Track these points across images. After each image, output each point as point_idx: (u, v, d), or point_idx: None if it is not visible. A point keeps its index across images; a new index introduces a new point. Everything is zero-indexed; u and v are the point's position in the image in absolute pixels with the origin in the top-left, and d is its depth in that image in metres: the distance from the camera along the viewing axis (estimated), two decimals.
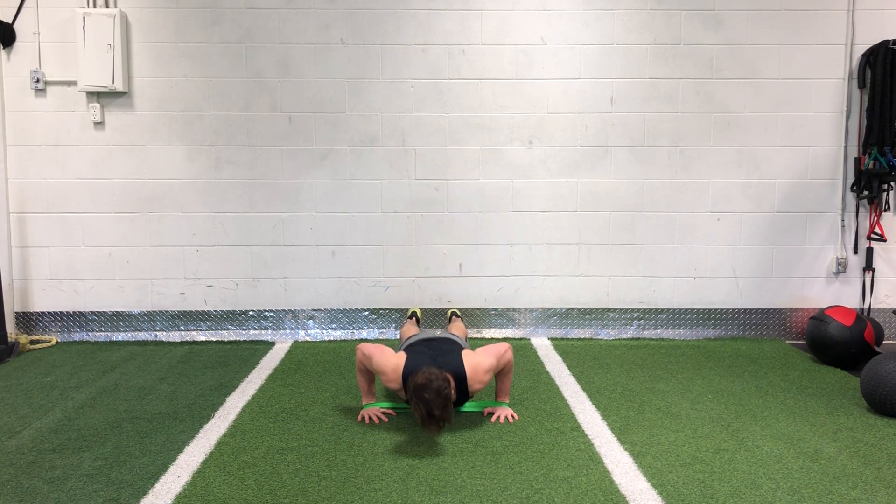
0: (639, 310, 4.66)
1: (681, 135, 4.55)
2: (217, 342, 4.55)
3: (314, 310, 4.62)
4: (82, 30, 4.29)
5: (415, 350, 3.11)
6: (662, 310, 4.66)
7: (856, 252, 4.63)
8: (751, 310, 4.67)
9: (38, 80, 4.38)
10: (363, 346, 3.12)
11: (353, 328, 4.63)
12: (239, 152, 4.51)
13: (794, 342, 4.63)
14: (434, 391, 2.66)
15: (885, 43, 4.41)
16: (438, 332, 3.41)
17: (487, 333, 4.63)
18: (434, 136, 4.53)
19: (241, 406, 3.28)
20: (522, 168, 4.56)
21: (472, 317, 4.64)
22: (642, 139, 4.55)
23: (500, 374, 3.14)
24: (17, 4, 4.36)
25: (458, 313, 4.52)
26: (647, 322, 4.67)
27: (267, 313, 4.62)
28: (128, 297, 4.57)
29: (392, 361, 3.01)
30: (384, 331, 4.63)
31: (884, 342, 4.55)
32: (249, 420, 3.09)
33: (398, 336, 4.60)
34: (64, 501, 2.33)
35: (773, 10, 4.49)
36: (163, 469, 2.58)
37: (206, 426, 3.02)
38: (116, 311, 4.58)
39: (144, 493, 2.39)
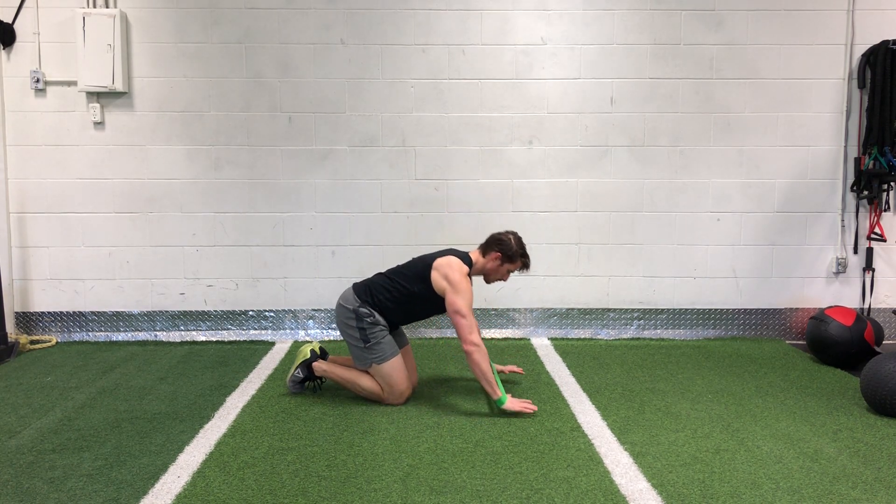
0: (639, 310, 4.66)
1: (681, 135, 4.55)
2: (217, 342, 4.55)
3: (314, 310, 4.62)
4: (82, 30, 4.29)
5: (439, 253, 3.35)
6: (662, 310, 4.66)
7: (856, 252, 4.63)
8: (751, 310, 4.67)
9: (38, 80, 4.38)
10: (470, 328, 3.10)
11: None
12: (239, 152, 4.51)
13: (794, 342, 4.63)
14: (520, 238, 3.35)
15: (885, 43, 4.41)
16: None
17: (487, 333, 4.63)
18: (434, 136, 4.53)
19: (241, 406, 3.28)
20: (522, 168, 4.56)
21: None
22: (642, 139, 4.55)
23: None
24: (17, 4, 4.36)
25: None
26: (647, 322, 4.67)
27: (267, 313, 4.62)
28: (128, 297, 4.57)
29: (462, 274, 3.19)
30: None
31: (884, 342, 4.55)
32: (249, 420, 3.09)
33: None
34: (64, 501, 2.33)
35: (773, 10, 4.49)
36: (163, 469, 2.58)
37: (206, 426, 3.02)
38: (116, 311, 4.58)
39: (144, 493, 2.39)
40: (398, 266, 3.39)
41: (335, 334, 4.63)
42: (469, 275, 3.27)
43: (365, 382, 3.29)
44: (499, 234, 3.36)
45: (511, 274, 3.39)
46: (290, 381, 3.42)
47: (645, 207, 4.60)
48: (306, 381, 3.43)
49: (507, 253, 3.29)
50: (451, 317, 3.15)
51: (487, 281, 3.41)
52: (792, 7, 4.49)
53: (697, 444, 2.83)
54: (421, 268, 3.27)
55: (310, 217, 4.57)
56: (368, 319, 3.22)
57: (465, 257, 3.30)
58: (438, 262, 3.24)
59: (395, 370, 3.24)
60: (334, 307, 4.58)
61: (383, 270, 3.44)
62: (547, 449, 2.77)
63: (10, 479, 2.50)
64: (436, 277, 3.21)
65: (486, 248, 3.34)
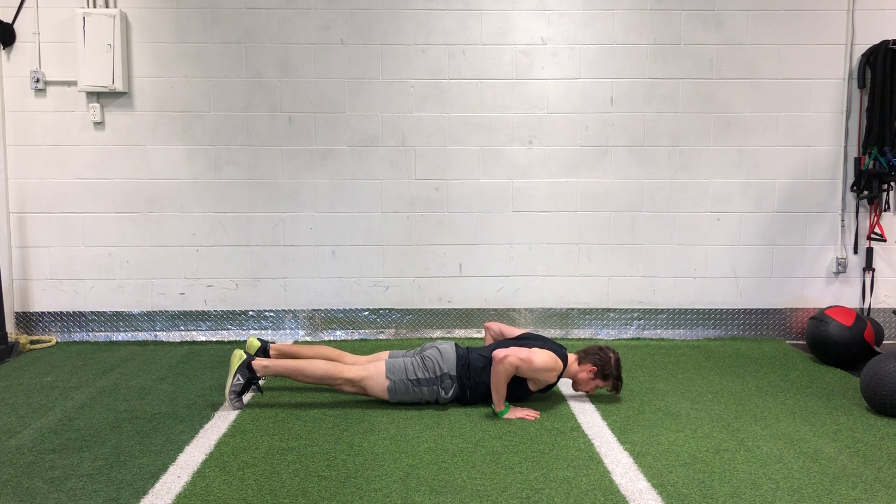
0: (639, 310, 4.66)
1: (681, 135, 4.55)
2: (217, 342, 4.55)
3: (314, 310, 4.62)
4: (82, 30, 4.29)
5: (534, 340, 3.38)
6: (662, 310, 4.66)
7: (856, 252, 4.63)
8: (751, 310, 4.67)
9: (38, 80, 4.38)
10: (518, 354, 3.08)
11: (353, 328, 4.63)
12: (239, 152, 4.51)
13: (794, 342, 4.63)
14: (619, 359, 3.36)
15: (885, 43, 4.41)
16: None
17: None
18: (434, 136, 4.53)
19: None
20: (522, 168, 4.56)
21: (472, 317, 4.63)
22: (642, 139, 4.55)
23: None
24: (17, 4, 4.36)
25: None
26: (647, 322, 4.67)
27: (267, 313, 4.62)
28: (128, 297, 4.57)
29: (552, 356, 3.20)
30: (383, 331, 4.63)
31: (884, 342, 4.55)
32: (249, 420, 3.09)
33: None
34: (64, 501, 2.33)
35: (773, 10, 4.49)
36: (163, 469, 2.58)
37: (206, 426, 3.01)
38: (116, 311, 4.58)
39: (144, 493, 2.39)
40: (498, 344, 3.36)
41: (336, 334, 4.63)
42: (560, 375, 3.27)
43: (316, 372, 3.20)
44: (600, 348, 3.34)
45: (598, 389, 3.38)
46: (231, 392, 3.18)
47: (645, 207, 4.60)
48: (250, 385, 3.23)
49: (603, 371, 3.29)
50: (517, 350, 3.12)
51: (574, 388, 3.39)
52: (792, 7, 4.49)
53: (697, 444, 2.83)
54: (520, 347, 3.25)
55: (310, 217, 4.56)
56: (441, 392, 3.23)
57: (563, 356, 3.29)
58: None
59: (376, 394, 3.23)
60: (334, 307, 4.61)
61: (483, 348, 3.38)
62: (547, 449, 2.77)
63: (10, 479, 2.50)
64: None
65: (583, 357, 3.33)
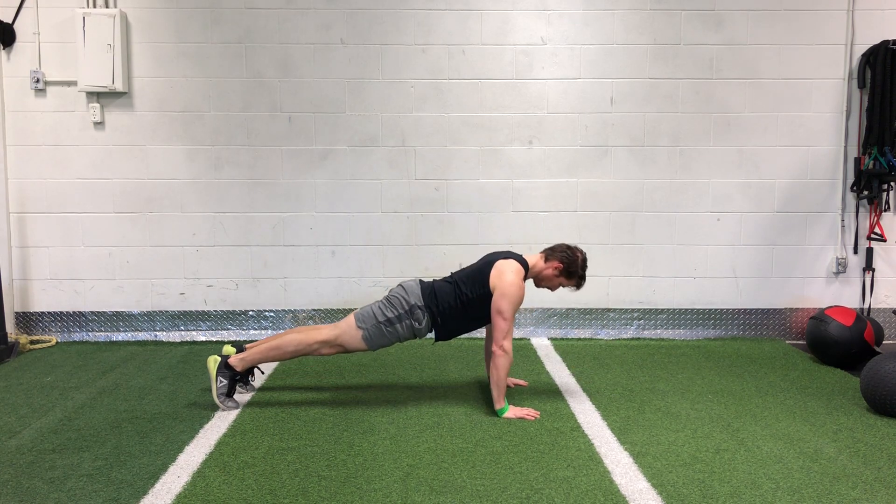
0: (639, 310, 4.66)
1: (681, 135, 4.56)
2: (217, 342, 4.55)
3: (314, 310, 4.62)
4: (82, 30, 4.30)
5: (491, 258, 3.29)
6: (662, 310, 4.66)
7: (856, 252, 4.63)
8: (751, 310, 4.67)
9: (38, 80, 4.38)
10: (504, 328, 3.06)
11: None
12: (239, 152, 4.51)
13: (794, 342, 4.63)
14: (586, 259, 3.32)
15: (885, 43, 4.41)
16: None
17: None
18: (434, 136, 4.53)
19: (240, 406, 3.27)
20: (522, 168, 4.56)
21: None
22: (642, 139, 4.55)
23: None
24: (17, 4, 4.37)
25: None
26: (647, 322, 4.67)
27: (267, 313, 4.62)
28: (128, 297, 4.57)
29: (519, 277, 3.15)
30: None
31: (884, 342, 4.55)
32: (249, 420, 3.09)
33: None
34: (64, 501, 2.33)
35: (773, 10, 4.49)
36: (163, 469, 2.58)
37: (206, 426, 3.01)
38: (116, 311, 4.58)
39: (144, 493, 2.39)
40: (462, 270, 3.35)
41: None
42: (525, 278, 3.25)
43: (290, 344, 3.18)
44: (568, 246, 3.30)
45: (561, 288, 3.36)
46: (219, 396, 3.19)
47: (645, 207, 4.60)
48: (237, 384, 3.27)
49: (569, 268, 3.25)
50: (493, 316, 3.12)
51: (537, 285, 3.37)
52: (792, 7, 4.49)
53: (697, 444, 2.83)
54: (482, 266, 3.25)
55: (310, 217, 4.57)
56: (415, 324, 3.20)
57: (523, 262, 3.26)
58: (499, 263, 3.21)
59: (355, 347, 3.21)
60: (334, 307, 4.61)
61: (447, 276, 3.37)
62: (547, 449, 2.77)
63: (10, 479, 2.50)
64: (493, 276, 3.17)
65: (550, 253, 3.29)
